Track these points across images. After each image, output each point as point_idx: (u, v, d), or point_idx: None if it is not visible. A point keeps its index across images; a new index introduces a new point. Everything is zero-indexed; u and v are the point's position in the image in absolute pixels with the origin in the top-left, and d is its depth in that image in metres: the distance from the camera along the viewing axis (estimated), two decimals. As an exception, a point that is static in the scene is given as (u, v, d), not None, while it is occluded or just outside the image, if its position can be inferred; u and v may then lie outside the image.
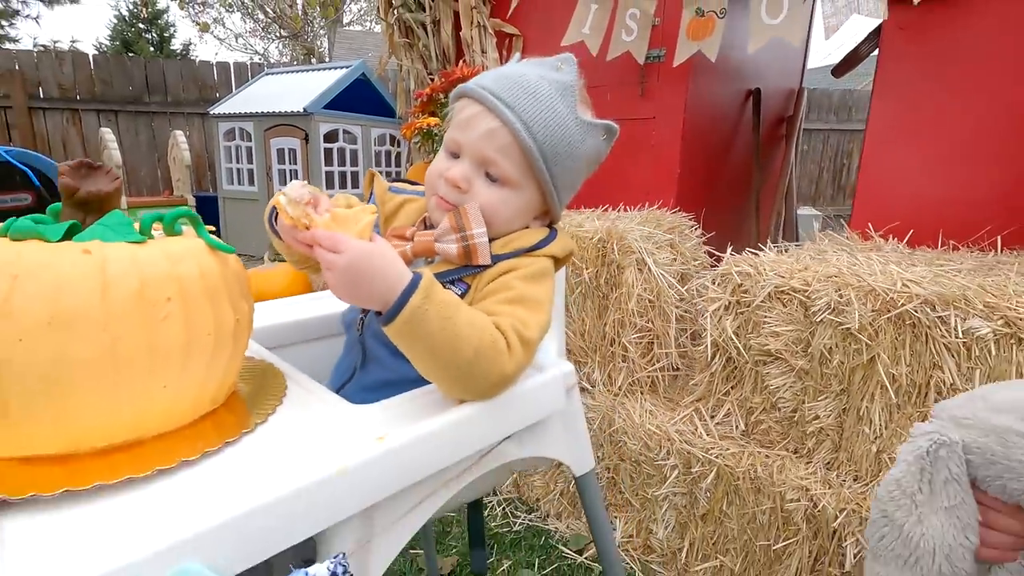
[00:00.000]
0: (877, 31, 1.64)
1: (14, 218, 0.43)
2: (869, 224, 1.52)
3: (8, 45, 11.40)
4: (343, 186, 4.31)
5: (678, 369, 1.58)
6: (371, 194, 0.80)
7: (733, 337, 1.26)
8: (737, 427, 1.32)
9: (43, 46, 12.30)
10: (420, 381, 0.64)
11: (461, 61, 2.43)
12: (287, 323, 0.86)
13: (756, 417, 1.29)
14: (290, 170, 4.15)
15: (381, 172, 4.26)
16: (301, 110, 3.94)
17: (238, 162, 4.48)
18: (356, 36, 12.82)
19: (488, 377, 0.57)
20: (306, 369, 0.67)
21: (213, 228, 0.53)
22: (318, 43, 13.41)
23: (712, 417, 1.36)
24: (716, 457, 1.26)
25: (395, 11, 2.50)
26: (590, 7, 1.85)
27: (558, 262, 0.72)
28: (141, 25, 14.80)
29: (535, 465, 0.77)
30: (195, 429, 0.51)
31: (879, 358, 1.06)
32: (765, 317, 1.21)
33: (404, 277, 0.54)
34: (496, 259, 0.67)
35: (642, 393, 1.54)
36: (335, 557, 0.44)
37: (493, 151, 0.66)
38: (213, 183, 5.46)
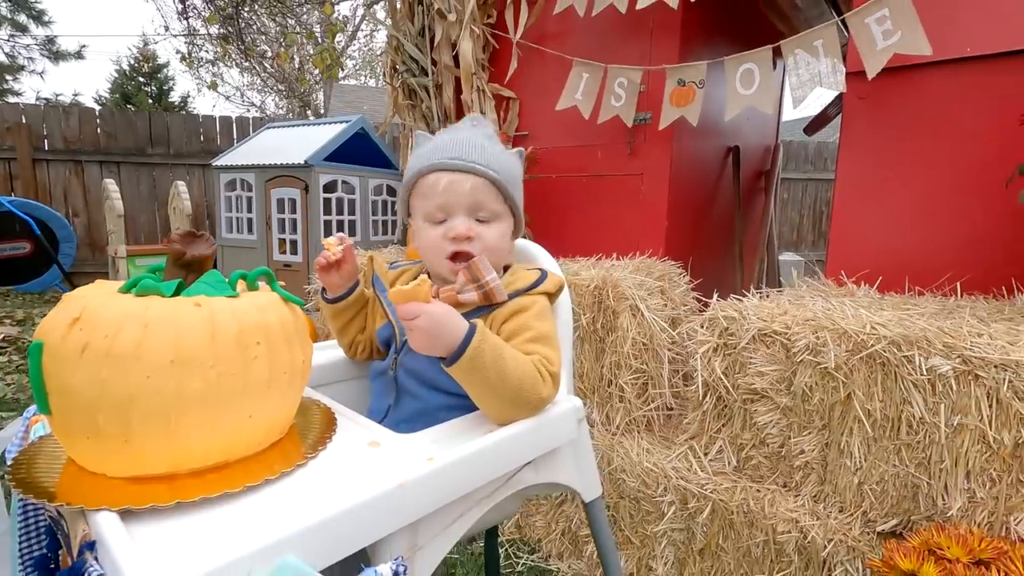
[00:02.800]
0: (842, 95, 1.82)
1: (138, 276, 0.53)
2: (842, 271, 1.66)
3: (12, 99, 11.69)
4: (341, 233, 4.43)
5: (672, 408, 1.67)
6: (373, 272, 0.92)
7: (722, 377, 1.36)
8: (729, 463, 1.40)
9: (46, 99, 12.61)
10: (447, 409, 0.75)
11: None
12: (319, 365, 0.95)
13: (746, 453, 1.37)
14: (289, 219, 4.28)
15: (378, 220, 4.43)
16: (302, 162, 4.10)
17: (238, 211, 4.60)
18: (350, 90, 13.37)
19: (531, 401, 0.71)
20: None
21: (284, 283, 0.63)
22: (314, 96, 13.88)
23: (706, 454, 1.44)
24: (711, 492, 1.34)
25: (400, 76, 2.69)
26: (582, 76, 2.03)
27: (551, 297, 0.86)
28: (141, 79, 15.27)
29: (548, 491, 0.85)
30: (266, 455, 0.60)
31: (855, 395, 1.16)
32: (751, 358, 1.31)
33: (463, 326, 0.67)
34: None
35: (639, 432, 1.62)
36: (395, 559, 0.52)
37: (479, 197, 0.82)
38: (212, 231, 5.57)
